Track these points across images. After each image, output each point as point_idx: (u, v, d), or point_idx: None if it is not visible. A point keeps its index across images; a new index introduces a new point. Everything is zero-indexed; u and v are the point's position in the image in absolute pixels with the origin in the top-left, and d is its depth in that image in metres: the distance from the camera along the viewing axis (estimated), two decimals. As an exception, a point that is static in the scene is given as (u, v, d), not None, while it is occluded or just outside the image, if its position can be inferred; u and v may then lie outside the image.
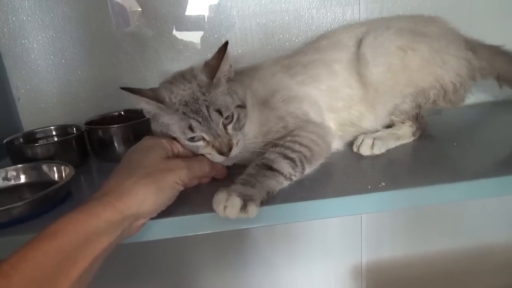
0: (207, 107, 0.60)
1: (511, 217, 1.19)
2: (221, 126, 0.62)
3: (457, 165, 0.69)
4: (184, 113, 0.60)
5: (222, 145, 0.61)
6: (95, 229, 0.46)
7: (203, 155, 0.63)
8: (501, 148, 0.74)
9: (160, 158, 0.57)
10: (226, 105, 0.62)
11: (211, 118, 0.60)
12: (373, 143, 0.73)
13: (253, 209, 0.53)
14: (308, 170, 0.65)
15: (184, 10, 0.93)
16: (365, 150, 0.73)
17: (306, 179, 0.65)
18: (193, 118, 0.60)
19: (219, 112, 0.61)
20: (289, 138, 0.66)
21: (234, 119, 0.63)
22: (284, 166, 0.62)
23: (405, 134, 0.79)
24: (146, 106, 0.64)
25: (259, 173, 0.60)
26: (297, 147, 0.65)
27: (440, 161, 0.71)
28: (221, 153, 0.62)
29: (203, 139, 0.62)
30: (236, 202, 0.53)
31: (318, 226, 1.12)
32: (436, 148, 0.77)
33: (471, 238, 1.20)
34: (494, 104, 1.01)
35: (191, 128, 0.61)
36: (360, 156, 0.73)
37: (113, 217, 0.48)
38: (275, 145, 0.66)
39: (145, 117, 0.85)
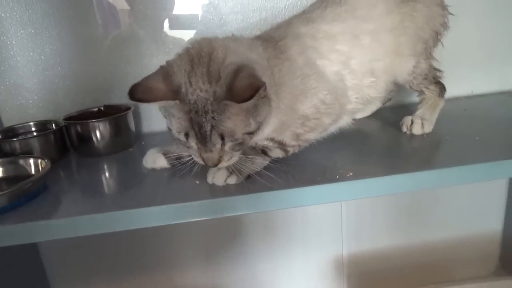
0: (212, 127, 0.56)
1: (490, 206, 1.22)
2: (218, 146, 0.58)
3: (426, 155, 0.72)
4: (190, 119, 0.56)
5: (209, 161, 0.59)
6: None
7: None
8: (473, 138, 0.76)
9: None
10: (232, 132, 0.57)
11: (210, 139, 0.57)
12: (422, 123, 0.79)
13: (232, 179, 0.63)
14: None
15: (176, 9, 0.94)
16: (417, 130, 0.79)
17: (276, 170, 0.67)
18: (193, 129, 0.57)
19: (222, 137, 0.57)
20: (300, 142, 0.72)
21: (237, 142, 0.59)
22: (278, 154, 0.70)
23: (436, 100, 0.83)
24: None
25: (254, 155, 0.66)
26: (298, 145, 0.72)
27: (411, 151, 0.75)
28: (206, 165, 0.61)
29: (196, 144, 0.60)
30: (222, 173, 0.63)
31: (298, 217, 1.14)
32: (409, 140, 0.79)
33: (449, 228, 1.23)
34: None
35: (186, 135, 0.58)
36: (333, 147, 0.76)
37: None
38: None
39: (124, 111, 0.87)
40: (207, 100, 0.55)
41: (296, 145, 0.71)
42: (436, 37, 0.83)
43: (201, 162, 0.61)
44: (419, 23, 0.79)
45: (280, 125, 0.67)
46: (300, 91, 0.68)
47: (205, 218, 0.60)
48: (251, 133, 0.59)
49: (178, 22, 0.95)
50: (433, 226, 1.22)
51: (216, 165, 0.60)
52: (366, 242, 1.21)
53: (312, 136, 0.72)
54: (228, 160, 0.61)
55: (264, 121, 0.61)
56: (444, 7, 0.82)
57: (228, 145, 0.59)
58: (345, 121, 0.79)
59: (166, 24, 0.95)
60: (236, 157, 0.62)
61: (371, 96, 0.79)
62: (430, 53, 0.83)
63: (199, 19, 0.95)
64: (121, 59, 0.96)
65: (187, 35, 0.96)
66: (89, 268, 1.12)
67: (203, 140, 0.57)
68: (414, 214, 1.20)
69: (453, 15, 0.83)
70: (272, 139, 0.69)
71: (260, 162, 0.67)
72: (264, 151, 0.68)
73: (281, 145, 0.70)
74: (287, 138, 0.70)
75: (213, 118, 0.55)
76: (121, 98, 0.97)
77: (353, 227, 1.18)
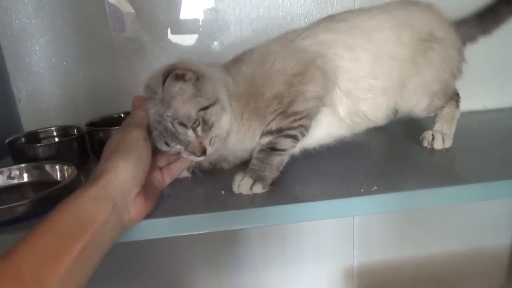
0: (171, 123, 0.62)
1: (499, 220, 1.23)
2: (189, 134, 0.63)
3: (446, 170, 0.73)
4: (160, 132, 0.63)
5: (195, 150, 0.64)
6: (84, 206, 0.50)
7: None
8: (493, 154, 0.76)
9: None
10: (188, 115, 0.62)
11: (178, 132, 0.62)
12: (443, 138, 0.80)
13: (258, 187, 0.64)
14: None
15: (180, 13, 0.96)
16: (439, 145, 0.80)
17: (302, 182, 0.68)
18: (164, 136, 0.63)
19: (183, 124, 0.62)
20: (291, 119, 0.68)
21: (200, 123, 0.63)
22: (287, 144, 0.68)
23: (452, 111, 0.83)
24: None
25: (267, 156, 0.67)
26: (296, 124, 0.68)
27: (431, 166, 0.76)
28: (196, 156, 0.64)
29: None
30: (247, 181, 0.65)
31: (310, 228, 1.15)
32: (427, 154, 0.80)
33: (460, 241, 1.24)
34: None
35: (167, 144, 0.65)
36: (354, 160, 0.77)
37: (97, 194, 0.51)
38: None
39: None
40: (158, 108, 0.63)
41: (294, 125, 0.68)
42: (454, 79, 0.82)
43: (194, 158, 0.65)
44: (435, 63, 0.76)
45: (255, 110, 0.69)
46: (260, 75, 0.69)
47: (232, 229, 0.61)
48: (206, 108, 0.63)
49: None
50: (442, 239, 1.23)
51: (204, 151, 0.64)
52: (376, 254, 1.21)
53: (299, 107, 0.68)
54: (211, 141, 0.65)
55: (219, 97, 0.65)
56: (461, 54, 0.81)
57: (198, 129, 0.63)
58: (344, 130, 0.77)
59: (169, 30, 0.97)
60: (217, 137, 0.65)
61: (368, 114, 0.76)
62: (446, 93, 0.81)
63: (202, 24, 0.97)
64: (142, 66, 0.98)
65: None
66: (95, 274, 1.12)
67: (174, 137, 0.63)
68: (424, 226, 1.21)
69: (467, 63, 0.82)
70: (268, 132, 0.68)
71: (278, 161, 0.67)
72: (272, 148, 0.67)
73: (280, 132, 0.68)
74: (278, 122, 0.68)
75: (168, 116, 0.62)
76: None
77: (364, 238, 1.18)
